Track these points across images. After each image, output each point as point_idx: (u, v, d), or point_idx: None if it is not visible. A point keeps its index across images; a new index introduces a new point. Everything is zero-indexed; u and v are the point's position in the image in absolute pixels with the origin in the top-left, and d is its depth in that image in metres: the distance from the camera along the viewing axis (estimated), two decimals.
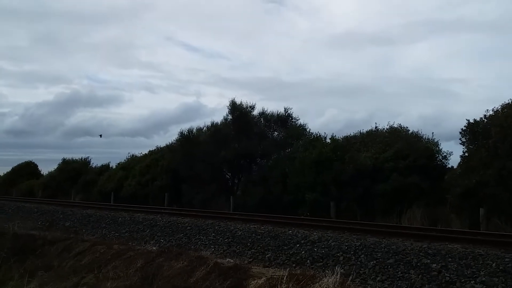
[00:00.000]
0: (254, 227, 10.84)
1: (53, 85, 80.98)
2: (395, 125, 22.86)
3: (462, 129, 18.03)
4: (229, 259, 9.02)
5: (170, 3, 76.78)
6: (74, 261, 11.15)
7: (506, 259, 6.98)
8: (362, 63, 68.18)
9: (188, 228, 11.67)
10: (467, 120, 17.99)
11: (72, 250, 11.73)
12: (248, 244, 9.77)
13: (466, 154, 17.81)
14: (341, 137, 23.53)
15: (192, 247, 10.44)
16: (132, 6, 74.18)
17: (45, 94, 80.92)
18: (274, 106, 52.87)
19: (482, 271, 6.80)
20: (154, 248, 10.54)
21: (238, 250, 9.68)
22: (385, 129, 22.90)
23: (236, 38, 76.04)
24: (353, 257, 8.13)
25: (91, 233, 13.31)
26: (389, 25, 63.32)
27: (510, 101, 17.31)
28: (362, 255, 8.09)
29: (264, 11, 78.31)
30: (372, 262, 7.78)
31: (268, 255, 9.09)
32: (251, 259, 9.11)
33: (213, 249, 9.97)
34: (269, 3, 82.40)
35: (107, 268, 10.05)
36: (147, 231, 12.25)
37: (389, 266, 7.53)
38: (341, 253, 8.38)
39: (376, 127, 23.49)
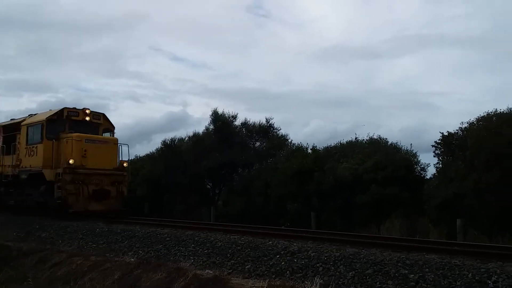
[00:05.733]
0: (235, 238, 10.78)
1: (39, 94, 79.67)
2: (375, 136, 23.18)
3: (436, 141, 18.47)
4: (209, 271, 8.96)
5: (164, 16, 76.70)
6: (49, 273, 10.93)
7: (482, 270, 7.09)
8: (348, 76, 69.22)
9: (167, 239, 11.54)
10: (440, 133, 18.46)
11: (48, 262, 11.50)
12: (228, 255, 9.71)
13: (440, 166, 18.21)
14: (322, 147, 23.72)
15: (171, 258, 10.33)
16: (126, 17, 73.76)
17: (28, 102, 79.49)
18: (260, 117, 52.84)
19: (459, 281, 6.90)
20: (132, 259, 10.39)
21: (217, 261, 9.61)
22: (365, 140, 23.18)
23: (225, 49, 76.19)
24: (332, 268, 8.15)
25: (68, 244, 13.06)
26: (376, 40, 64.50)
27: (485, 114, 17.81)
28: (341, 266, 8.12)
29: (254, 25, 78.97)
30: (351, 273, 7.81)
31: (248, 266, 9.05)
32: (231, 270, 9.05)
33: (192, 261, 9.87)
34: (261, 17, 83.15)
35: (84, 280, 9.88)
36: (125, 242, 12.08)
37: (367, 277, 7.58)
38: (320, 263, 8.40)
39: (356, 138, 23.78)
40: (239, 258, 9.42)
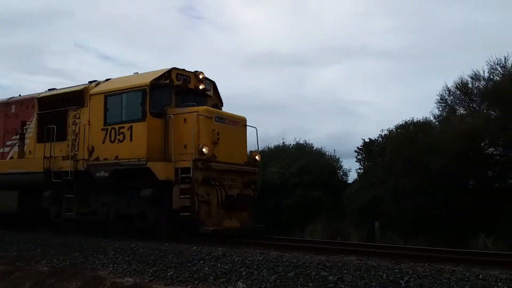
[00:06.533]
0: (157, 244, 10.48)
1: None
2: (301, 141, 23.82)
3: (358, 147, 19.47)
4: (129, 278, 8.63)
5: (89, 13, 72.84)
6: None
7: (396, 270, 7.44)
8: (278, 82, 70.56)
9: (85, 246, 10.95)
10: (362, 139, 19.50)
11: None
12: (150, 262, 9.39)
13: (361, 171, 19.23)
14: (250, 151, 23.89)
15: (89, 266, 9.80)
16: (46, 12, 69.02)
17: None
18: None
19: (374, 282, 7.18)
20: (45, 268, 9.80)
21: (139, 269, 9.25)
22: (292, 145, 23.73)
23: (156, 50, 74.10)
24: (256, 272, 8.15)
25: None
26: (305, 48, 66.34)
27: (403, 122, 19.02)
28: (264, 270, 8.15)
29: (186, 27, 77.76)
30: (273, 276, 7.86)
31: (170, 273, 8.80)
32: (152, 278, 8.75)
33: (111, 268, 9.43)
34: (193, 19, 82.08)
35: None
36: (39, 250, 11.29)
37: (289, 280, 7.66)
38: (244, 268, 8.37)
39: (283, 142, 24.26)
40: (161, 265, 9.15)
